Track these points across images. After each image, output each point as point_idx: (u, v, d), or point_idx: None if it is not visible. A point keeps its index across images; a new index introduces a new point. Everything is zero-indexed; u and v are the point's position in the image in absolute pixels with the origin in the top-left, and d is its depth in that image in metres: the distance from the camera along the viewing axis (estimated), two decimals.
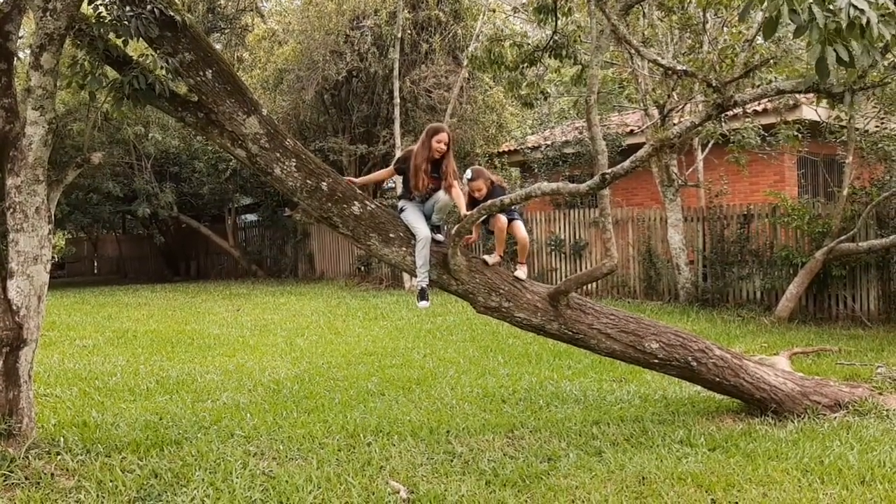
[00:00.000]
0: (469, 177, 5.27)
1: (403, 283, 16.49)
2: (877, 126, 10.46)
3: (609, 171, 3.94)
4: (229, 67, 4.91)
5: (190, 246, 24.95)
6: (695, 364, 5.66)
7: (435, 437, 5.22)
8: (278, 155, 4.91)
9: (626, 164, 3.93)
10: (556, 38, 7.73)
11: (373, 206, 5.13)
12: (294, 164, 4.93)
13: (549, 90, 8.64)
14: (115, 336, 10.31)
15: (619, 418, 5.77)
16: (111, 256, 30.14)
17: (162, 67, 4.71)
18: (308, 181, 4.95)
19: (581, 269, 14.07)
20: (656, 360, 5.62)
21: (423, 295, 5.16)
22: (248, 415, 5.80)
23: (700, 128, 4.36)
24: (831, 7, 2.91)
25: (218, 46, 22.57)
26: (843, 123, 10.43)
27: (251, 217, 24.56)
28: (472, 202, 5.22)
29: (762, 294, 11.35)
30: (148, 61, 4.71)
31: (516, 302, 5.33)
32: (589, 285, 13.85)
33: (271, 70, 16.44)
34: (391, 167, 5.50)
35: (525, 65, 8.00)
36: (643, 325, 5.65)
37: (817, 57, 2.84)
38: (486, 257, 5.23)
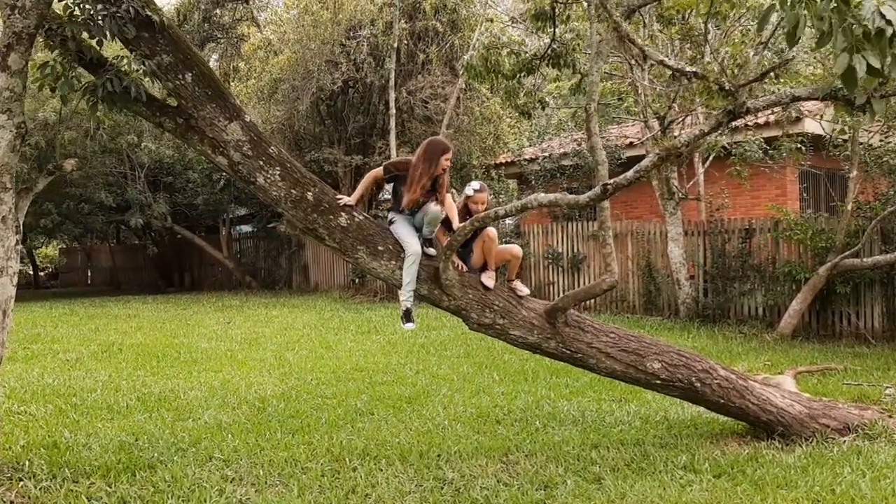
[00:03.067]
0: (476, 188, 5.01)
1: (398, 296, 16.19)
2: (881, 140, 10.24)
3: (611, 181, 3.70)
4: (210, 70, 4.67)
5: (184, 257, 24.68)
6: (698, 385, 5.41)
7: (425, 461, 4.95)
8: (262, 163, 4.67)
9: (630, 174, 3.69)
10: (554, 46, 7.51)
11: (360, 217, 4.88)
12: (278, 172, 4.69)
13: (547, 100, 8.42)
14: (100, 349, 10.02)
15: (619, 441, 5.50)
16: (105, 267, 29.81)
17: (138, 70, 4.48)
18: (293, 191, 4.70)
19: (579, 284, 13.82)
20: (658, 381, 5.37)
21: (408, 316, 4.89)
22: (230, 435, 5.52)
23: (708, 137, 4.13)
24: (854, 16, 2.68)
25: (214, 57, 22.44)
26: (846, 137, 10.23)
27: (246, 228, 24.31)
28: (465, 217, 4.96)
29: (764, 310, 11.09)
30: (123, 63, 4.47)
31: (511, 319, 5.07)
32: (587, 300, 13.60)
33: (266, 80, 16.22)
34: (379, 170, 5.08)
35: (522, 73, 7.77)
36: (644, 343, 5.40)
37: (845, 66, 2.60)
38: (484, 279, 4.97)
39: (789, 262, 10.53)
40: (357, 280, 18.20)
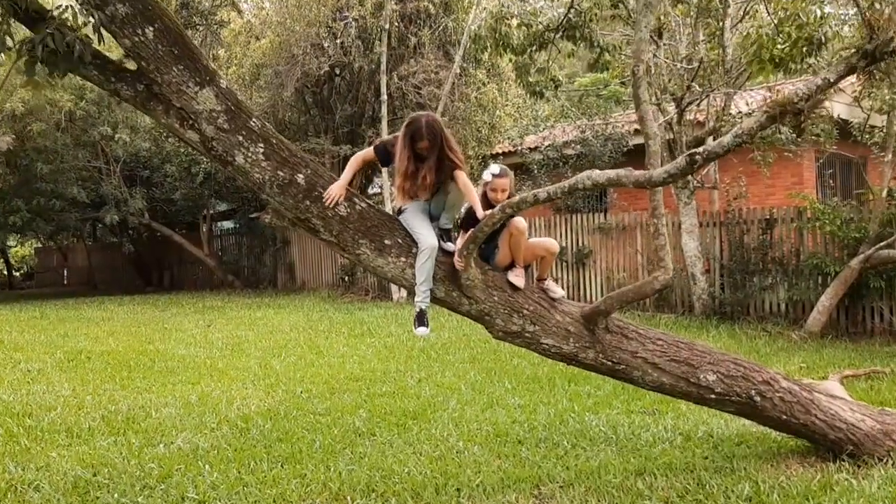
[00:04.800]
0: (495, 172, 4.16)
1: (391, 295, 15.34)
2: None
3: (700, 149, 2.87)
4: (177, 24, 3.79)
5: (163, 255, 23.64)
6: (758, 399, 4.61)
7: (442, 498, 4.12)
8: (241, 138, 3.80)
9: (727, 139, 2.87)
10: (570, 16, 6.67)
11: (363, 204, 4.02)
12: (262, 150, 3.82)
13: (560, 78, 7.61)
14: (67, 358, 9.09)
15: (665, 466, 4.69)
16: (81, 266, 28.65)
17: (86, 23, 3.60)
18: (280, 173, 3.84)
19: (584, 279, 13.01)
20: (713, 396, 4.57)
21: (421, 319, 4.03)
22: (207, 466, 4.65)
23: (834, 87, 3.37)
24: None
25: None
26: (874, 123, 9.51)
27: (227, 224, 23.28)
28: (485, 208, 4.07)
29: (787, 306, 10.32)
30: (67, 15, 3.59)
31: (543, 325, 4.24)
32: (588, 294, 12.81)
33: (248, 66, 15.25)
34: (369, 150, 4.20)
35: (534, 48, 6.92)
36: (697, 352, 4.59)
37: None
38: (511, 278, 4.13)
39: (816, 255, 9.76)
40: (347, 278, 17.29)
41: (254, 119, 3.85)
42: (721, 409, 4.88)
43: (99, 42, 3.83)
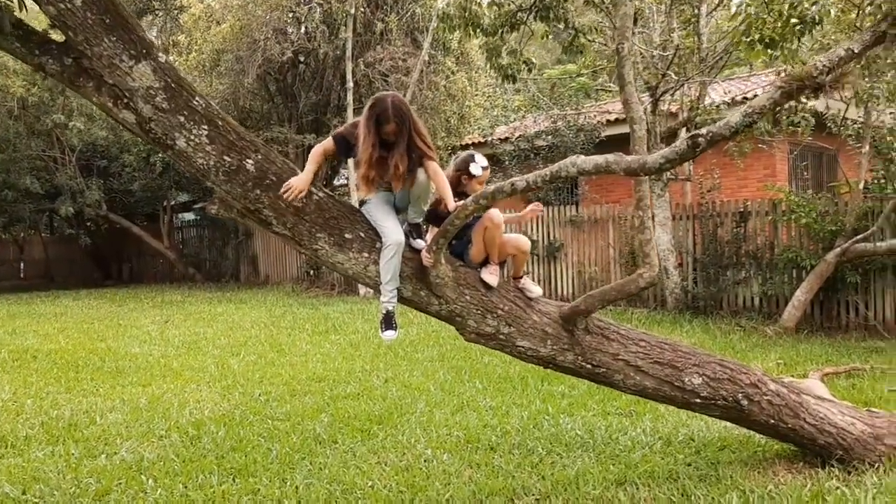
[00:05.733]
0: (485, 165, 3.83)
1: (358, 290, 14.92)
2: (892, 115, 9.34)
3: (704, 131, 2.53)
4: None
5: (122, 248, 22.88)
6: (745, 403, 4.35)
7: None
8: (182, 119, 3.38)
9: (735, 118, 2.54)
10: None
11: (321, 194, 3.64)
12: (206, 132, 3.41)
13: (533, 60, 7.24)
14: (11, 358, 8.55)
15: (646, 475, 4.40)
16: (38, 259, 27.67)
17: None
18: (226, 158, 3.43)
19: (556, 273, 12.73)
20: (698, 400, 4.28)
21: (388, 321, 3.66)
22: (151, 481, 4.25)
23: (861, 58, 3.08)
24: None
25: (153, 31, 20.67)
26: (849, 115, 9.32)
27: (188, 216, 22.59)
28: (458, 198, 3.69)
29: (761, 300, 10.14)
30: None
31: (519, 326, 3.91)
32: (560, 288, 12.53)
33: (208, 51, 14.65)
34: (328, 142, 3.68)
35: (505, 28, 6.56)
36: (681, 353, 4.29)
37: None
38: (485, 275, 3.78)
39: (791, 248, 9.57)
40: (312, 272, 16.82)
41: (197, 98, 3.44)
42: (706, 414, 4.61)
43: (21, 9, 3.40)
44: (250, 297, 15.42)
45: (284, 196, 3.40)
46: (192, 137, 3.39)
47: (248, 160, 3.46)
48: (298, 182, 3.42)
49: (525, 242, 4.02)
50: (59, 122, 16.91)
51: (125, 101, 3.37)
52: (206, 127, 3.41)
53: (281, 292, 16.43)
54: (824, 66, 2.42)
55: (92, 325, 11.60)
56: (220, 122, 3.45)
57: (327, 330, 10.35)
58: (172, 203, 20.92)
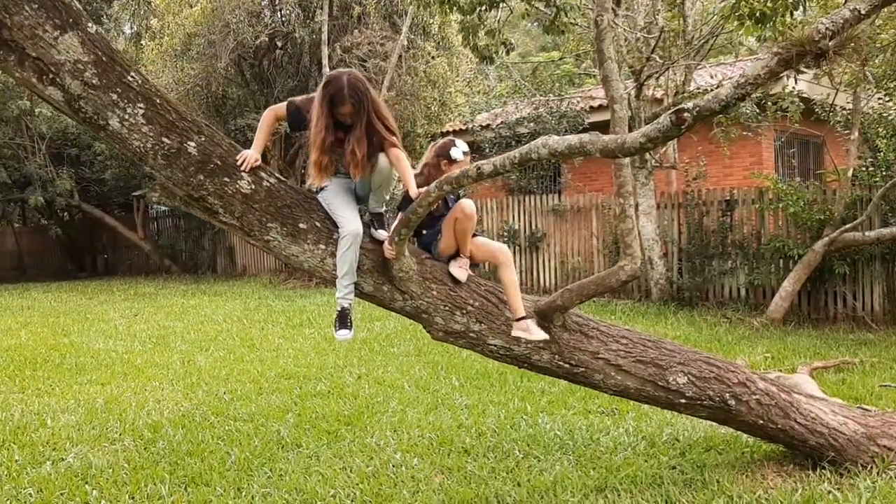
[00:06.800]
0: (466, 150, 3.52)
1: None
2: (880, 103, 9.11)
3: (690, 105, 2.23)
4: None
5: (96, 238, 22.35)
6: (733, 403, 4.09)
7: None
8: (115, 97, 3.04)
9: (726, 90, 2.23)
10: None
11: (272, 180, 3.31)
12: (142, 111, 3.07)
13: (512, 42, 6.93)
14: None
15: (629, 480, 4.14)
16: (10, 251, 27.07)
17: None
18: (165, 140, 3.10)
19: (538, 264, 12.45)
20: (683, 400, 4.02)
21: (343, 319, 3.35)
22: (95, 491, 3.92)
23: (869, 18, 2.79)
24: None
25: (125, 16, 20.09)
26: (837, 101, 9.09)
27: (163, 206, 22.08)
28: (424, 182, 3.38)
29: (747, 291, 9.91)
30: None
31: (490, 324, 3.62)
32: (542, 280, 12.26)
33: (179, 35, 14.18)
34: (281, 106, 3.48)
35: (483, 7, 6.24)
36: (665, 351, 4.02)
37: None
38: (453, 269, 3.47)
39: (778, 237, 9.33)
40: None
41: (132, 73, 3.10)
42: (691, 415, 4.34)
43: None
44: (226, 290, 15.04)
45: (241, 167, 3.14)
46: (127, 117, 3.05)
47: (189, 142, 3.13)
48: (249, 152, 3.23)
49: (504, 255, 3.69)
50: (25, 109, 16.38)
51: (51, 76, 3.02)
52: (142, 105, 3.07)
53: (258, 284, 16.06)
54: (827, 28, 2.13)
55: (58, 319, 11.20)
56: (157, 101, 3.11)
57: (301, 323, 10.02)
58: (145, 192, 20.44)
